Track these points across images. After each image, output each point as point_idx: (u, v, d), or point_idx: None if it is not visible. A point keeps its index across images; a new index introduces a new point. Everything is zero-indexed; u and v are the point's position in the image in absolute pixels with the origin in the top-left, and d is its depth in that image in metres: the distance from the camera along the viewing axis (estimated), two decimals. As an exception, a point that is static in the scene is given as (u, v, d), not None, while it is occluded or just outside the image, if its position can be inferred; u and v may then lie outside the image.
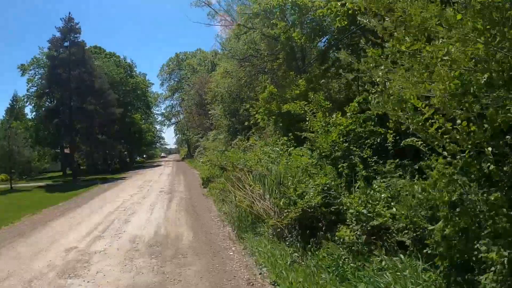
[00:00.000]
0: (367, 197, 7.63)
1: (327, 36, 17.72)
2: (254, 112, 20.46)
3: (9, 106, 69.96)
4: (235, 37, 33.61)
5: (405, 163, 8.47)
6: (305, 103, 12.82)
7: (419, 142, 6.18)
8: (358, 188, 8.29)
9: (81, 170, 56.61)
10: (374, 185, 8.08)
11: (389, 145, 9.00)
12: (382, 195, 7.43)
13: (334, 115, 11.09)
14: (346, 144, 10.32)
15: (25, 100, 62.95)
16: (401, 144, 7.37)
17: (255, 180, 11.70)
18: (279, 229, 8.86)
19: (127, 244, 10.58)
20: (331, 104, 12.78)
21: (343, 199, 8.07)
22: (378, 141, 10.21)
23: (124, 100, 65.62)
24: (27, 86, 59.86)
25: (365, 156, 9.63)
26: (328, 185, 8.73)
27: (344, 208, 7.86)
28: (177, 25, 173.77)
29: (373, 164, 9.27)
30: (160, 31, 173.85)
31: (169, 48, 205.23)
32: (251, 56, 31.27)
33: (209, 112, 47.58)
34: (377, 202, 7.39)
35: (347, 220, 7.49)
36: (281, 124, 18.41)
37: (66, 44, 47.40)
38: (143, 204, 18.06)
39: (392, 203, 7.06)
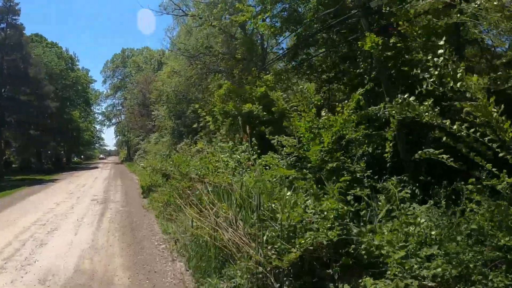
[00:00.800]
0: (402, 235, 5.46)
1: (300, 28, 15.13)
2: (204, 114, 18.06)
3: None
4: (187, 33, 31.11)
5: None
6: (284, 97, 10.36)
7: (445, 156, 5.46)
8: (380, 218, 6.31)
9: (13, 169, 52.67)
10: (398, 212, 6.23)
11: (387, 156, 7.85)
12: (432, 232, 5.37)
13: (323, 114, 8.59)
14: (342, 153, 8.70)
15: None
16: (417, 156, 5.97)
17: (219, 197, 8.67)
18: (261, 275, 5.88)
19: (33, 287, 7.41)
20: (322, 102, 10.05)
21: (367, 237, 5.55)
22: (371, 151, 9.05)
23: (63, 94, 61.47)
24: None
25: (358, 169, 8.21)
26: (339, 213, 6.05)
27: (369, 248, 5.37)
28: (126, 21, 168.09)
29: (371, 181, 7.70)
30: (108, 26, 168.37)
31: (115, 47, 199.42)
32: (203, 54, 28.85)
33: (153, 113, 44.92)
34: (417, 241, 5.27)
35: (388, 272, 4.86)
36: (238, 127, 15.92)
37: (2, 26, 42.72)
38: (69, 217, 14.59)
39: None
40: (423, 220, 5.52)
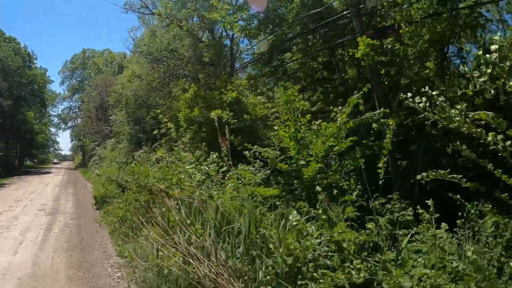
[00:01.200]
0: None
1: (278, 30, 13.91)
2: (166, 120, 16.61)
3: None
4: (152, 35, 29.62)
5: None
6: (266, 103, 9.06)
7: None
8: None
9: None
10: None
11: (380, 173, 6.79)
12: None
13: (316, 121, 7.36)
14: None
15: None
16: (420, 178, 5.21)
17: (189, 217, 7.09)
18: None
19: None
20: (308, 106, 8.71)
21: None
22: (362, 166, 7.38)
23: (18, 93, 58.09)
24: None
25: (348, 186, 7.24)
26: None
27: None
28: (89, 19, 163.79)
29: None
30: (69, 23, 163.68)
31: (75, 47, 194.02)
32: (167, 58, 27.53)
33: (110, 117, 42.85)
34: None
35: None
36: (204, 135, 14.57)
37: None
38: (11, 230, 12.55)
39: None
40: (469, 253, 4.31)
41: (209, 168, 10.02)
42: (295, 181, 7.44)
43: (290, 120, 7.43)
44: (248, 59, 18.96)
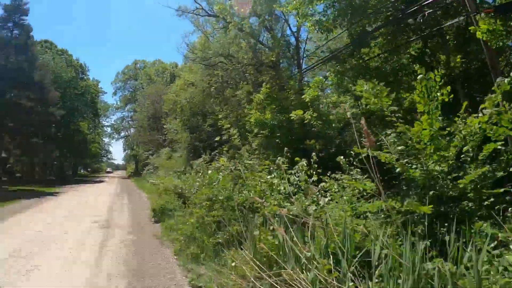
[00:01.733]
0: None
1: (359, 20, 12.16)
2: (228, 126, 15.11)
3: None
4: (207, 40, 28.40)
5: None
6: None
7: None
8: None
9: (15, 178, 49.94)
10: None
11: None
12: None
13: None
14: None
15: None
16: None
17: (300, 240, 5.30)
18: None
19: None
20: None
21: None
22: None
23: (71, 104, 58.29)
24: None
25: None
26: None
27: None
28: (140, 31, 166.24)
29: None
30: (120, 36, 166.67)
31: (127, 59, 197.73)
32: (222, 63, 26.23)
33: (164, 126, 41.94)
34: None
35: None
36: (278, 140, 12.94)
37: (9, 25, 39.52)
38: (60, 247, 11.05)
39: None
40: None
41: (298, 177, 8.30)
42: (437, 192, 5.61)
43: (430, 114, 5.60)
44: (326, 55, 17.07)
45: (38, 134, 43.69)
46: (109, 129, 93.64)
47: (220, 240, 7.75)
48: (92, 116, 73.93)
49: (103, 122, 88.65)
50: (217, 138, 17.36)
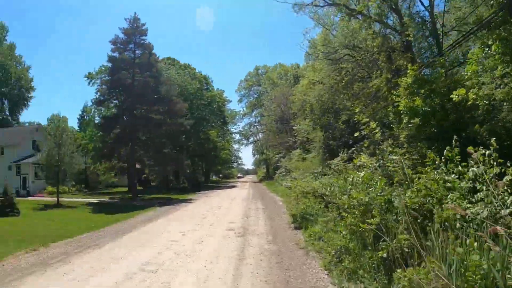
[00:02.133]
0: None
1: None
2: (366, 120, 13.33)
3: (78, 117, 69.66)
4: (327, 33, 26.69)
5: None
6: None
7: None
8: None
9: (151, 187, 53.29)
10: None
11: None
12: None
13: None
14: None
15: (93, 110, 61.53)
16: None
17: None
18: None
19: None
20: None
21: None
22: None
23: (199, 114, 60.06)
24: (95, 95, 54.54)
25: None
26: None
27: None
28: (256, 36, 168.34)
29: None
30: (237, 45, 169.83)
31: (247, 65, 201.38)
32: (348, 56, 24.46)
33: (293, 128, 40.72)
34: None
35: None
36: (433, 130, 10.95)
37: (131, 46, 41.28)
38: (194, 260, 10.05)
39: None
40: None
41: (475, 171, 6.35)
42: None
43: None
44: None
45: (169, 145, 44.87)
46: (237, 136, 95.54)
47: (384, 255, 6.06)
48: (220, 124, 75.46)
49: (232, 129, 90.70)
50: (356, 134, 15.66)
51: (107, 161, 41.31)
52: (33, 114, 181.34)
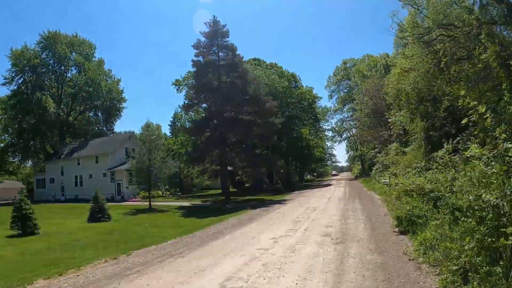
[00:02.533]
0: None
1: None
2: (474, 104, 11.29)
3: (170, 123, 73.71)
4: (416, 14, 24.52)
5: None
6: None
7: None
8: None
9: (244, 188, 53.52)
10: None
11: None
12: None
13: None
14: None
15: (183, 115, 62.89)
16: None
17: None
18: None
19: None
20: None
21: None
22: None
23: (290, 113, 59.28)
24: (184, 101, 55.84)
25: None
26: None
27: None
28: (338, 32, 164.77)
29: None
30: (319, 42, 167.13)
31: (332, 61, 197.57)
32: (442, 36, 22.16)
33: (389, 121, 38.25)
34: None
35: None
36: None
37: (214, 49, 40.90)
38: (285, 273, 8.70)
39: None
40: None
41: None
42: None
43: None
44: None
45: (261, 145, 44.24)
46: (330, 133, 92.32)
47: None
48: (312, 121, 73.49)
49: (324, 127, 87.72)
50: (463, 121, 13.68)
51: (199, 164, 41.27)
52: (127, 123, 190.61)
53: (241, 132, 39.39)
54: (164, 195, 47.16)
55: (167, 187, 47.59)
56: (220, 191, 48.48)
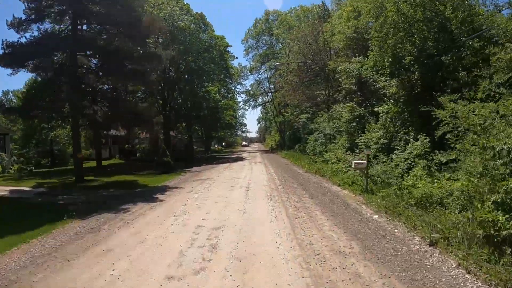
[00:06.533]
0: None
1: None
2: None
3: None
4: None
5: None
6: None
7: None
8: None
9: (134, 159, 40.56)
10: None
11: None
12: None
13: None
14: None
15: None
16: None
17: None
18: None
19: None
20: None
21: None
22: None
23: (196, 64, 44.91)
24: None
25: None
26: None
27: None
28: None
29: None
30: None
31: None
32: None
33: (335, 76, 28.73)
34: None
35: None
36: None
37: None
38: None
39: None
40: None
41: None
42: None
43: None
44: None
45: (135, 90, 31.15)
46: (244, 96, 77.37)
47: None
48: (223, 78, 57.01)
49: (236, 89, 72.39)
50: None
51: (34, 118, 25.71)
52: None
53: (102, 61, 23.52)
54: (7, 172, 29.83)
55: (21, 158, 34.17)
56: (104, 162, 35.56)
